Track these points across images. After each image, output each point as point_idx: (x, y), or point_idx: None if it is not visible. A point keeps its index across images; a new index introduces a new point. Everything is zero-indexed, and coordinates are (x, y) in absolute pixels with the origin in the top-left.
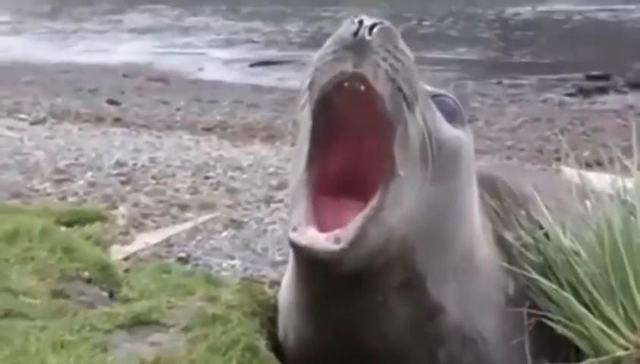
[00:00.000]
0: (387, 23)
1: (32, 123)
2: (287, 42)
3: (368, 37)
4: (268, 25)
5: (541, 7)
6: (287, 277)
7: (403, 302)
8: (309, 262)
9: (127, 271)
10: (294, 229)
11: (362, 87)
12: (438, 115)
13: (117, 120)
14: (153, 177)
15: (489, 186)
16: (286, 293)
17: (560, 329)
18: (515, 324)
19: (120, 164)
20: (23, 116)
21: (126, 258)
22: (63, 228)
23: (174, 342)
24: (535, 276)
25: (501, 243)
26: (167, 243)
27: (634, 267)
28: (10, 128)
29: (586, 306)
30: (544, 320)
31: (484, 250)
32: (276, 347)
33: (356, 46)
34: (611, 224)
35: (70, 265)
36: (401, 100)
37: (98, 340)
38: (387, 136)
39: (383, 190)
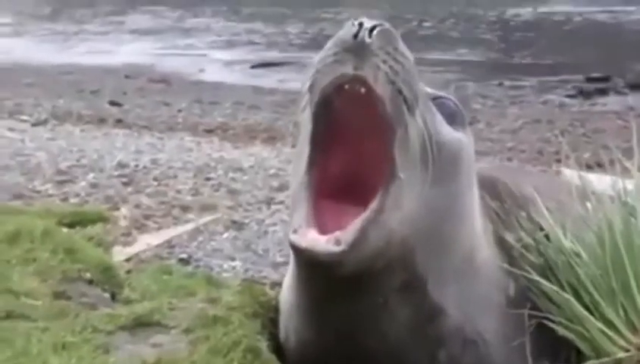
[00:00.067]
0: (387, 26)
1: (34, 125)
2: (287, 43)
3: (368, 39)
4: (269, 26)
5: (542, 9)
6: (288, 278)
7: (404, 304)
8: (309, 264)
9: (128, 272)
10: (295, 231)
11: (363, 89)
12: (439, 117)
13: (118, 122)
14: (155, 179)
15: (490, 187)
16: (287, 295)
17: (561, 331)
18: (516, 325)
19: (121, 165)
20: (24, 117)
21: (127, 260)
22: (65, 229)
23: (176, 343)
24: (536, 277)
25: (502, 244)
26: (169, 244)
27: (634, 268)
28: (11, 129)
29: (587, 308)
30: (545, 321)
31: (485, 252)
32: (277, 349)
33: (357, 49)
34: (612, 226)
35: (72, 267)
36: (401, 102)
37: (99, 342)
38: (387, 139)
39: (383, 193)
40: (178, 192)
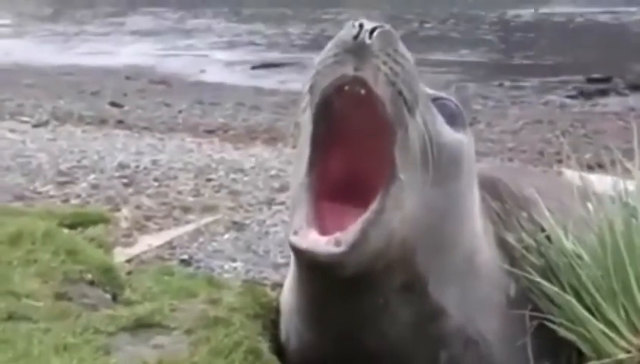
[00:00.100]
0: (387, 27)
1: (35, 126)
2: (288, 44)
3: (368, 41)
4: (270, 27)
5: (543, 10)
6: (289, 279)
7: (405, 305)
8: (310, 265)
9: (129, 273)
10: (295, 233)
11: (363, 91)
12: (439, 118)
13: (119, 123)
14: (155, 180)
15: (491, 188)
16: (287, 296)
17: (562, 332)
18: (517, 326)
19: (122, 166)
20: (25, 118)
21: (128, 261)
22: (66, 230)
23: (177, 344)
24: (537, 278)
25: (503, 245)
26: (170, 245)
27: (635, 269)
28: (12, 131)
29: (588, 309)
30: (546, 322)
31: (486, 253)
32: (278, 350)
33: (357, 50)
34: (613, 227)
35: (73, 268)
36: (402, 104)
37: (101, 343)
38: (387, 140)
39: (384, 194)
40: (179, 193)
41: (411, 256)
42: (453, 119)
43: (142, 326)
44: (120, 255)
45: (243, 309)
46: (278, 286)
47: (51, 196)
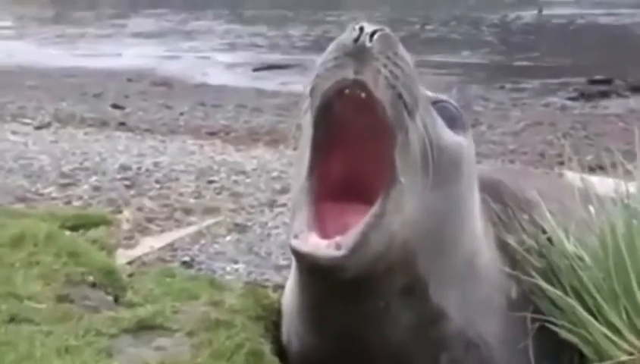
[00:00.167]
0: (388, 30)
1: (37, 128)
2: (290, 46)
3: (368, 44)
4: (272, 29)
5: (544, 11)
6: (290, 281)
7: (405, 308)
8: (310, 268)
9: (131, 275)
10: (296, 236)
11: (363, 94)
12: (439, 121)
13: (121, 125)
14: (157, 181)
15: (492, 190)
16: (289, 298)
17: (564, 334)
18: (518, 328)
19: (124, 168)
20: (27, 120)
21: (130, 263)
22: (68, 232)
23: (179, 346)
24: (538, 281)
25: (504, 247)
26: (172, 247)
27: (637, 271)
28: (14, 132)
29: (589, 311)
30: (548, 325)
31: (487, 255)
32: (280, 352)
33: (357, 53)
34: (614, 229)
35: (75, 270)
36: (402, 107)
37: (103, 345)
38: (387, 143)
39: (384, 197)
40: (181, 195)
41: (411, 259)
42: (453, 122)
43: (144, 328)
44: (121, 257)
45: (244, 310)
46: (280, 288)
47: (54, 198)
